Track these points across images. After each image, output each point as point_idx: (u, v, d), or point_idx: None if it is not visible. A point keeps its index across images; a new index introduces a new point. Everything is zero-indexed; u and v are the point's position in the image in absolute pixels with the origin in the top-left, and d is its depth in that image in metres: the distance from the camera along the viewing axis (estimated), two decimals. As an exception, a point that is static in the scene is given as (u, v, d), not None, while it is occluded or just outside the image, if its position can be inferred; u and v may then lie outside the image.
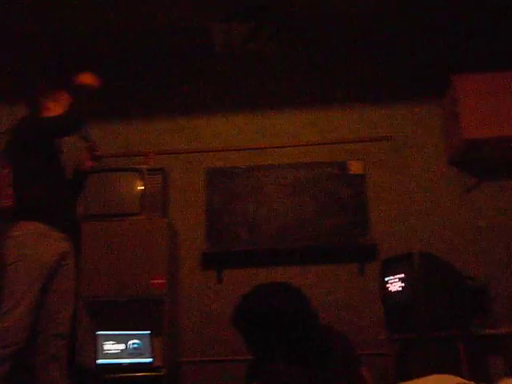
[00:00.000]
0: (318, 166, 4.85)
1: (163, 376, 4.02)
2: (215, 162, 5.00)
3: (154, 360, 4.15)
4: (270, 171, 4.86)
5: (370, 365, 4.12)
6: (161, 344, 4.22)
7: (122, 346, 4.19)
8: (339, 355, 2.09)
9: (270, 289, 2.11)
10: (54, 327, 3.10)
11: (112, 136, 5.14)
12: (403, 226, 4.76)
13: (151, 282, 4.24)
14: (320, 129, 5.04)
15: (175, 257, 4.70)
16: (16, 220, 3.07)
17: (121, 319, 4.39)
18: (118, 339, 4.21)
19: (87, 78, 3.24)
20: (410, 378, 2.23)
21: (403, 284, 3.78)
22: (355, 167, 4.80)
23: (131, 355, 4.17)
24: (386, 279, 3.97)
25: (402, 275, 3.79)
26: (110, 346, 4.20)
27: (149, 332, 4.20)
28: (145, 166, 4.68)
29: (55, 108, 3.30)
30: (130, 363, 4.13)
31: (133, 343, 4.20)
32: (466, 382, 2.03)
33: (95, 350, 4.19)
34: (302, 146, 4.99)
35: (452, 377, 2.07)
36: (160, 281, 4.25)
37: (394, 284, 3.88)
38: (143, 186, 4.57)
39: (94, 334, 4.24)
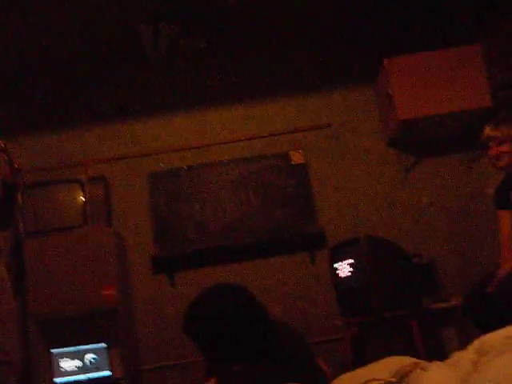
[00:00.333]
0: (259, 159, 4.86)
1: (124, 388, 3.97)
2: (156, 164, 4.93)
3: (112, 372, 4.08)
4: (213, 169, 4.84)
5: (329, 351, 4.21)
6: (119, 355, 4.15)
7: (78, 362, 4.10)
8: (292, 349, 2.10)
9: (214, 292, 2.10)
10: None
11: (47, 148, 5.00)
12: (349, 211, 4.82)
13: (102, 293, 4.17)
14: (258, 122, 5.04)
15: (125, 265, 4.64)
16: None
17: (75, 334, 4.29)
18: (73, 355, 4.13)
19: None
20: (368, 361, 2.26)
21: (352, 269, 3.85)
22: (296, 157, 4.83)
23: (89, 370, 4.09)
24: (336, 266, 4.02)
25: (351, 260, 3.86)
26: (66, 363, 4.11)
27: (105, 344, 4.13)
28: (84, 176, 4.58)
29: None
30: (88, 379, 4.06)
31: (90, 358, 4.12)
32: (418, 361, 2.07)
33: (51, 368, 4.09)
34: (241, 140, 4.98)
35: (405, 357, 2.11)
36: (111, 291, 4.18)
37: (344, 270, 3.93)
38: (85, 196, 4.47)
39: (49, 352, 4.14)
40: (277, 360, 2.03)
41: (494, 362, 1.68)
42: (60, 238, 4.34)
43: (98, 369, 4.10)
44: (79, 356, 4.12)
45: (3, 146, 3.05)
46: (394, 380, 1.94)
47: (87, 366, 4.11)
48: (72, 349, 4.15)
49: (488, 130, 3.20)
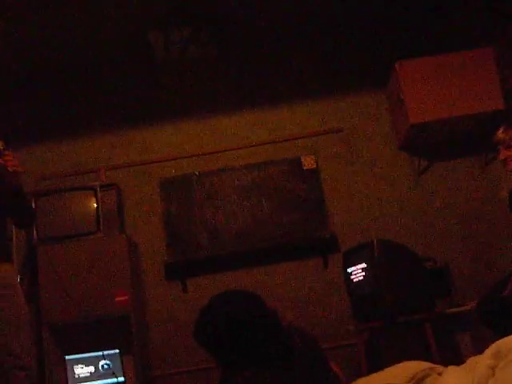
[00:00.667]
0: (271, 164, 4.86)
1: (137, 394, 3.97)
2: (168, 171, 4.95)
3: (126, 379, 4.08)
4: (224, 175, 4.84)
5: (342, 356, 4.19)
6: (132, 361, 4.16)
7: (92, 369, 4.11)
8: (305, 353, 2.09)
9: (225, 298, 2.11)
10: (10, 360, 2.99)
11: (60, 156, 5.04)
12: (361, 215, 4.81)
13: (115, 299, 4.18)
14: (269, 127, 5.04)
15: (137, 271, 4.65)
16: None
17: (89, 341, 4.31)
18: (87, 362, 4.14)
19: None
20: (381, 366, 2.25)
21: (365, 273, 3.83)
22: (308, 162, 4.83)
23: (103, 376, 4.10)
24: (349, 270, 4.01)
25: (364, 265, 3.84)
26: (80, 370, 4.12)
27: (118, 351, 4.14)
28: (97, 183, 4.60)
29: None
30: (102, 385, 4.07)
31: (103, 364, 4.13)
32: (434, 365, 2.06)
33: (65, 375, 4.10)
34: (253, 146, 4.99)
35: (421, 362, 2.10)
36: (124, 297, 4.18)
37: (357, 274, 3.92)
38: (98, 203, 4.49)
39: (63, 358, 4.15)
40: (289, 365, 2.02)
41: (512, 366, 1.67)
42: (73, 244, 4.35)
43: (111, 375, 4.10)
44: (93, 362, 4.13)
45: (1, 148, 3.05)
46: (409, 385, 1.93)
47: (101, 372, 4.12)
48: (86, 355, 4.15)
49: (499, 134, 3.18)
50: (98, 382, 4.08)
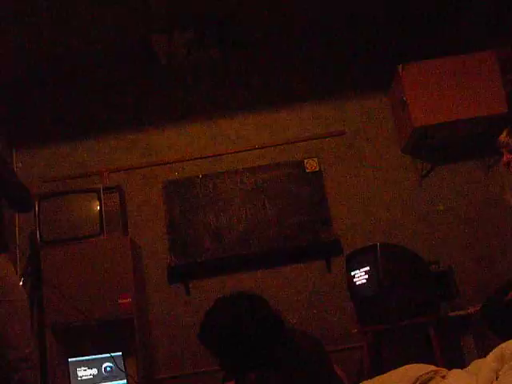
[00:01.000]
0: (274, 167, 4.86)
1: (140, 396, 3.96)
2: (171, 173, 4.95)
3: (128, 381, 4.08)
4: (227, 177, 4.85)
5: (345, 359, 4.18)
6: (134, 364, 4.16)
7: (95, 371, 4.11)
8: (309, 356, 2.09)
9: (229, 301, 2.11)
10: (10, 352, 2.99)
11: (63, 158, 5.05)
12: (364, 218, 4.80)
13: (118, 302, 4.18)
14: (273, 130, 5.05)
15: (141, 273, 4.65)
16: None
17: (91, 343, 4.31)
18: (90, 364, 4.14)
19: None
20: (385, 369, 2.25)
21: (369, 276, 3.82)
22: (311, 165, 4.83)
23: (106, 379, 4.10)
24: (352, 273, 4.00)
25: (367, 268, 3.83)
26: (83, 372, 4.12)
27: (121, 353, 4.13)
28: (101, 186, 4.60)
29: None
30: (105, 387, 4.06)
31: (106, 366, 4.13)
32: (438, 368, 2.06)
33: (68, 377, 4.10)
34: (256, 149, 4.99)
35: (424, 365, 2.10)
36: (127, 300, 4.18)
37: (360, 277, 3.91)
38: (101, 205, 4.49)
39: (66, 361, 4.15)
40: (294, 367, 2.02)
41: (516, 369, 1.67)
42: (76, 247, 4.35)
43: (114, 377, 4.10)
44: (96, 365, 4.12)
45: None
46: (413, 388, 1.93)
47: (103, 374, 4.12)
48: (88, 357, 4.15)
49: (502, 137, 3.18)
50: (101, 384, 4.08)
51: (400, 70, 4.50)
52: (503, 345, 1.81)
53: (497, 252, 4.63)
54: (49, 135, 5.12)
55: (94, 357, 4.15)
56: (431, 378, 1.93)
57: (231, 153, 5.01)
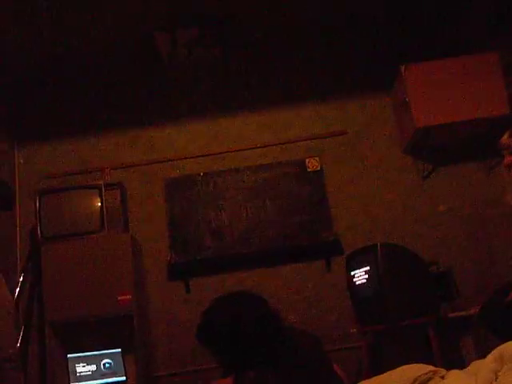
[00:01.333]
0: (275, 166, 4.87)
1: (138, 394, 3.97)
2: (173, 171, 4.96)
3: (127, 378, 4.09)
4: (228, 176, 4.85)
5: (344, 359, 4.18)
6: (133, 361, 4.16)
7: (94, 367, 4.12)
8: (308, 354, 2.10)
9: (227, 300, 2.12)
10: None
11: (65, 154, 5.06)
12: (365, 218, 4.81)
13: (118, 298, 4.18)
14: (274, 129, 5.05)
15: (141, 271, 4.65)
16: None
17: (91, 339, 4.31)
18: (89, 360, 4.14)
19: None
20: (384, 369, 2.25)
21: (369, 276, 3.82)
22: (312, 164, 4.83)
23: (104, 375, 4.10)
24: (352, 273, 4.01)
25: (367, 268, 3.84)
26: (82, 368, 4.12)
27: (120, 350, 4.14)
28: (102, 182, 4.61)
29: None
30: (103, 384, 4.07)
31: (105, 363, 4.13)
32: (437, 369, 2.06)
33: (67, 373, 4.11)
34: (258, 148, 4.99)
35: (423, 365, 2.10)
36: (127, 297, 4.19)
37: (360, 277, 3.91)
38: (102, 202, 4.49)
39: (65, 356, 4.15)
40: (293, 366, 2.03)
41: (515, 370, 1.67)
42: (77, 243, 4.35)
43: (113, 374, 4.11)
44: (95, 361, 4.13)
45: None
46: (412, 388, 1.93)
47: (102, 371, 4.12)
48: (88, 354, 4.16)
49: (504, 139, 3.17)
50: (100, 380, 4.08)
51: (402, 70, 4.50)
52: (502, 346, 1.81)
53: (497, 253, 4.63)
54: (50, 132, 5.12)
55: (93, 353, 4.16)
56: (430, 379, 1.93)
57: (232, 151, 5.01)
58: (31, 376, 4.40)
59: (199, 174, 4.88)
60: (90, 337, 4.30)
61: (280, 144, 5.00)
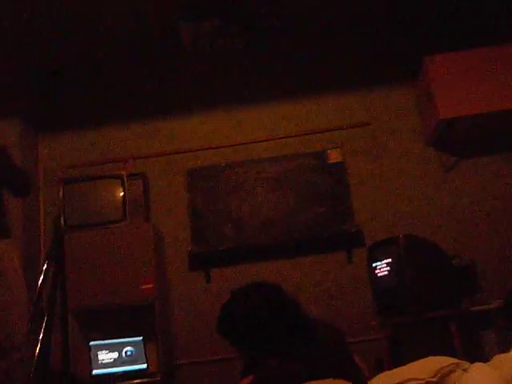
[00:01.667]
0: (297, 157, 4.85)
1: (159, 381, 4.00)
2: (194, 161, 4.97)
3: (148, 366, 4.13)
4: (250, 166, 4.85)
5: (364, 351, 4.17)
6: (154, 349, 4.20)
7: (115, 355, 4.16)
8: (329, 344, 2.10)
9: (245, 291, 2.13)
10: (5, 339, 3.02)
11: (89, 144, 5.11)
12: (387, 210, 4.78)
13: (140, 287, 4.22)
14: (296, 120, 5.03)
15: (162, 260, 4.68)
16: None
17: (113, 327, 4.36)
18: (111, 348, 4.19)
19: None
20: (405, 362, 2.24)
21: (390, 268, 3.80)
22: (334, 156, 4.81)
23: (125, 363, 4.15)
24: (374, 265, 3.98)
25: (389, 260, 3.81)
26: (103, 356, 4.18)
27: (141, 338, 4.18)
28: (124, 172, 4.64)
29: None
30: (124, 371, 4.11)
31: (126, 350, 4.18)
32: (460, 361, 2.04)
33: (90, 360, 4.16)
34: (279, 138, 4.98)
35: (446, 357, 2.08)
36: (149, 286, 4.22)
37: (382, 269, 3.89)
38: (124, 191, 4.53)
39: (88, 344, 4.20)
40: (313, 355, 2.03)
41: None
42: (100, 232, 4.40)
43: (134, 362, 4.15)
44: (117, 349, 4.18)
45: None
46: (434, 380, 1.92)
47: (124, 358, 4.17)
48: (110, 341, 4.21)
49: None
50: (121, 368, 4.13)
51: (427, 61, 4.46)
52: (527, 339, 1.79)
53: (520, 247, 4.58)
54: (74, 121, 5.17)
55: (115, 341, 4.21)
56: (452, 371, 1.91)
57: (255, 142, 5.01)
58: (54, 363, 4.46)
59: (221, 165, 4.88)
60: (112, 325, 4.35)
61: (302, 135, 4.99)
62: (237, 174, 4.84)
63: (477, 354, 3.94)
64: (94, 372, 4.11)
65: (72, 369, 4.17)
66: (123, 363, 4.16)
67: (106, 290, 4.22)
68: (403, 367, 2.14)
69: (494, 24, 4.71)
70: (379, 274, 3.93)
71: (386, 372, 2.21)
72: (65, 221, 4.48)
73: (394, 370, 2.21)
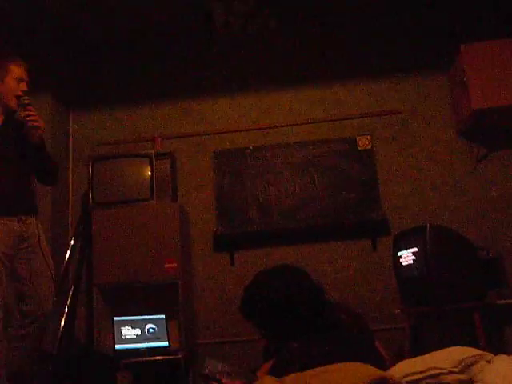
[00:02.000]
0: (326, 142, 4.83)
1: (180, 359, 4.05)
2: (222, 143, 4.98)
3: (170, 344, 4.18)
4: (278, 150, 4.84)
5: (385, 339, 4.16)
6: (177, 327, 4.24)
7: (138, 331, 4.22)
8: (351, 329, 2.10)
9: (269, 274, 2.15)
10: (31, 307, 3.09)
11: (118, 123, 5.15)
12: (414, 199, 4.73)
13: (164, 266, 4.26)
14: (327, 105, 5.00)
15: (187, 240, 4.72)
16: None
17: (136, 304, 4.41)
18: (134, 324, 4.25)
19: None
20: (426, 352, 2.23)
21: (416, 258, 3.77)
22: (363, 142, 4.77)
23: (148, 339, 4.20)
24: (399, 254, 3.96)
25: (415, 249, 3.78)
26: (126, 332, 4.23)
27: (164, 316, 4.23)
28: (153, 151, 4.67)
29: None
30: (147, 347, 4.17)
31: (149, 328, 4.23)
32: (483, 352, 2.03)
33: (113, 335, 4.22)
34: (309, 123, 4.96)
35: (469, 348, 2.07)
36: (173, 265, 4.26)
37: (407, 258, 3.86)
38: (152, 171, 4.55)
39: (111, 319, 4.27)
40: (335, 338, 2.04)
41: None
42: (127, 210, 4.44)
43: (156, 339, 4.20)
44: (139, 325, 4.23)
45: (26, 102, 3.13)
46: (456, 370, 1.91)
47: (146, 335, 4.22)
48: (133, 318, 4.26)
49: None
50: (143, 344, 4.19)
51: (462, 49, 4.38)
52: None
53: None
54: (106, 99, 5.22)
55: (138, 317, 4.26)
56: (476, 362, 1.90)
57: (283, 126, 4.99)
58: (79, 336, 4.56)
59: (249, 148, 4.88)
60: (136, 302, 4.40)
61: (331, 120, 4.96)
62: (264, 158, 4.84)
63: (500, 347, 3.90)
64: (117, 347, 4.17)
65: (96, 342, 4.26)
66: (145, 340, 4.22)
67: (131, 268, 4.27)
68: (426, 355, 2.13)
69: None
70: (404, 263, 3.91)
71: (407, 360, 2.20)
72: (92, 198, 4.53)
73: (417, 358, 2.20)
